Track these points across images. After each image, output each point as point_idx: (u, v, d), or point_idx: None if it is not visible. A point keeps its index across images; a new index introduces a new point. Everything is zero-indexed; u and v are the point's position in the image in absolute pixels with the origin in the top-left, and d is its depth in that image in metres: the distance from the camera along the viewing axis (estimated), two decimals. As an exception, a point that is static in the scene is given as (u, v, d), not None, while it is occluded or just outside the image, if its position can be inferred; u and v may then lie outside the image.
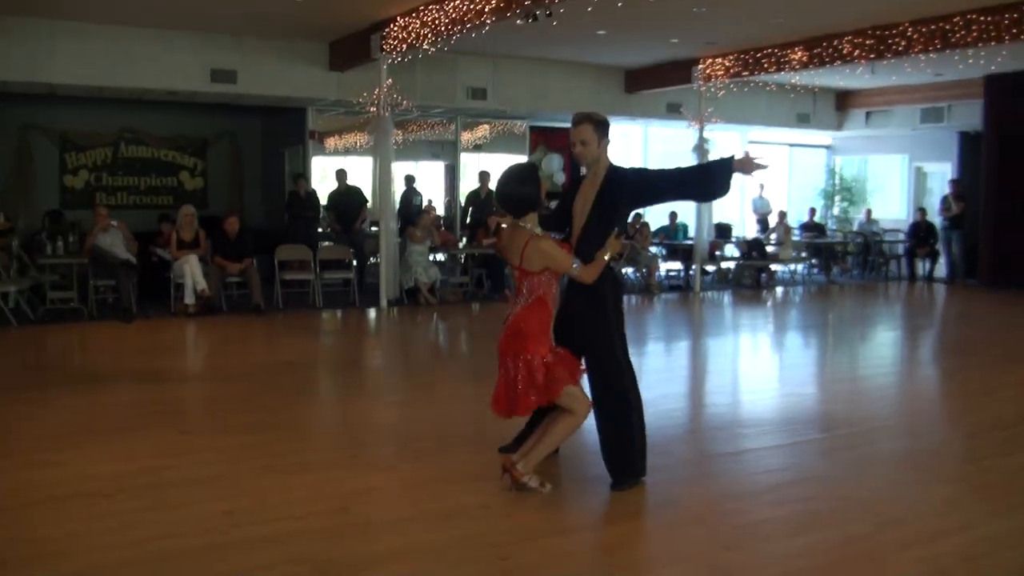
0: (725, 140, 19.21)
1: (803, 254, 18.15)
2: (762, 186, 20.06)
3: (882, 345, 11.57)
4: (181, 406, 7.36)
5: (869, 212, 19.54)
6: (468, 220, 15.66)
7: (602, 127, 5.09)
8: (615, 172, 5.13)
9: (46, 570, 4.04)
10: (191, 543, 4.30)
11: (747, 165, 5.13)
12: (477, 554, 4.25)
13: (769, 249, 17.41)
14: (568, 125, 5.26)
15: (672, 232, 17.23)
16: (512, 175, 4.99)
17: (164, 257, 12.36)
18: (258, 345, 10.59)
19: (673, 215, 17.38)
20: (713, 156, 15.95)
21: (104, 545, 4.29)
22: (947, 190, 17.97)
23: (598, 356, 5.15)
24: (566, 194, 5.34)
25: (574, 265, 4.90)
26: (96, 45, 12.61)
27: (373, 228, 14.31)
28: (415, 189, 16.00)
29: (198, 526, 4.51)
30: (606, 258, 4.95)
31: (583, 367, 5.11)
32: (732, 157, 5.13)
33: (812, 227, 18.99)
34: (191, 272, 11.72)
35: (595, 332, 5.13)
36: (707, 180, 5.26)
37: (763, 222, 19.32)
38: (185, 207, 12.64)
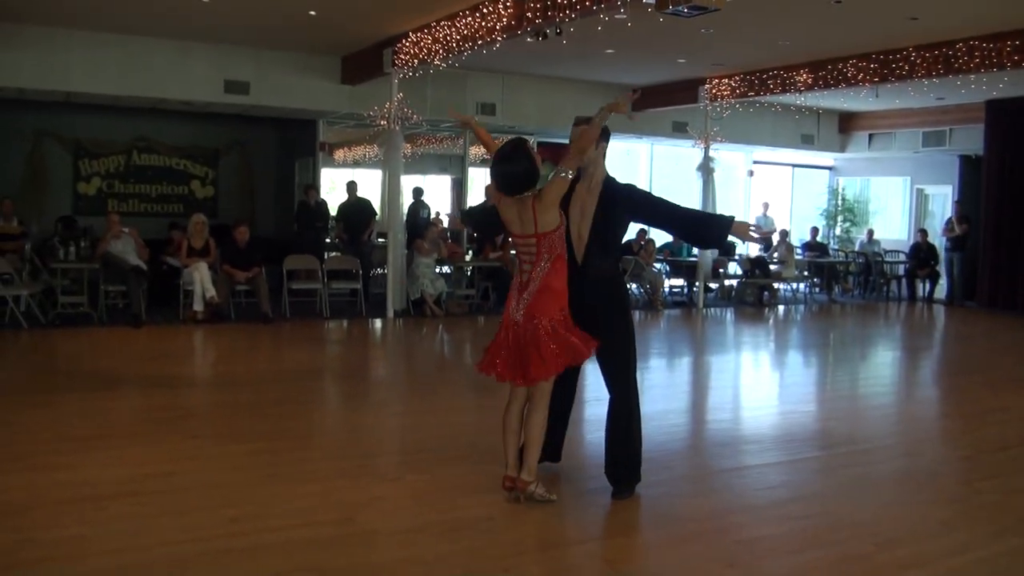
0: (730, 160, 19.32)
1: (805, 273, 18.21)
2: (766, 205, 20.12)
3: (882, 365, 11.62)
4: (189, 412, 7.36)
5: (871, 232, 19.62)
6: (476, 233, 15.72)
7: (603, 132, 5.18)
8: (612, 184, 5.24)
9: (53, 573, 4.07)
10: (197, 549, 4.33)
11: (744, 232, 5.31)
12: (480, 566, 4.27)
13: (772, 267, 17.45)
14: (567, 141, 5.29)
15: (677, 249, 17.30)
16: (505, 155, 4.99)
17: (174, 265, 12.45)
18: (265, 353, 10.63)
19: (677, 232, 17.39)
20: (718, 175, 16.10)
21: (111, 549, 4.32)
22: (949, 212, 18.05)
23: (622, 364, 5.27)
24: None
25: (563, 174, 4.87)
26: (112, 55, 12.78)
27: (380, 240, 14.41)
28: (422, 202, 16.08)
29: (205, 532, 4.53)
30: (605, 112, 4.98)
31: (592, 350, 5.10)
32: (732, 218, 5.26)
33: (814, 246, 19.01)
34: (200, 279, 11.77)
35: (621, 341, 5.24)
36: (703, 230, 5.45)
37: (766, 241, 19.35)
38: (196, 215, 12.70)
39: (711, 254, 16.11)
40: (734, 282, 17.71)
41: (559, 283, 4.96)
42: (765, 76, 14.48)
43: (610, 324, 5.18)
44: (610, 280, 5.24)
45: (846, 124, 19.90)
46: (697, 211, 5.38)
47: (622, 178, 5.40)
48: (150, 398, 7.71)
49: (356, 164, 16.09)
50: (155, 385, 8.17)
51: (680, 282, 17.24)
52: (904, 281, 18.74)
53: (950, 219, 17.73)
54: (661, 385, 9.44)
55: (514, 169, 4.94)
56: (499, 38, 10.40)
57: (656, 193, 5.59)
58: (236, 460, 5.84)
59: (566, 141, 5.33)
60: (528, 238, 4.97)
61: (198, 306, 11.81)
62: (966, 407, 8.73)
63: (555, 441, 5.53)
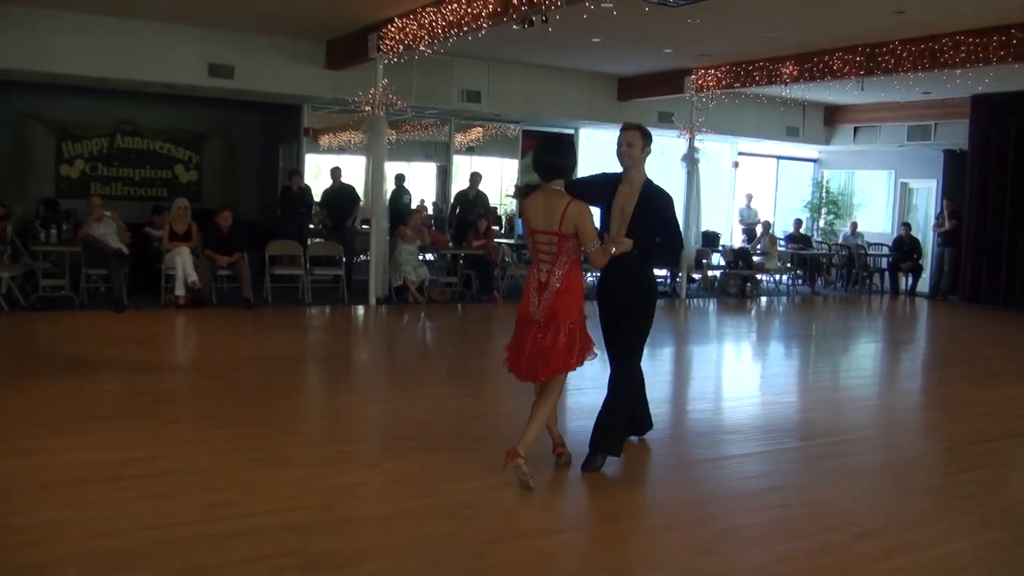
0: (715, 150, 19.31)
1: (788, 265, 18.25)
2: (749, 197, 20.13)
3: (863, 357, 11.66)
4: (170, 397, 7.35)
5: (855, 225, 19.64)
6: (455, 221, 15.66)
7: (647, 137, 5.63)
8: (651, 185, 5.61)
9: (32, 558, 4.03)
10: (177, 534, 4.31)
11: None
12: (457, 553, 4.28)
13: (755, 259, 17.48)
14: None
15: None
16: (553, 145, 5.48)
17: (154, 235, 12.40)
18: (247, 339, 10.61)
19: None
20: (703, 166, 16.07)
21: (90, 533, 4.30)
22: (933, 206, 18.06)
23: (637, 338, 5.67)
24: (609, 183, 5.70)
25: (595, 243, 5.20)
26: (96, 37, 12.64)
27: (364, 226, 14.35)
28: (404, 188, 16.03)
29: (184, 517, 4.51)
30: (613, 251, 5.34)
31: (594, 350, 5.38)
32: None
33: (798, 239, 19.05)
34: (182, 264, 11.69)
35: (642, 316, 5.66)
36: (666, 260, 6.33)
37: (749, 232, 19.37)
38: (179, 199, 12.64)
39: (694, 245, 16.11)
40: (717, 273, 17.72)
41: (578, 284, 5.26)
42: (751, 67, 14.45)
43: (634, 314, 5.61)
44: (642, 277, 5.64)
45: (831, 117, 19.87)
46: (678, 245, 5.83)
47: (604, 167, 5.72)
48: (131, 383, 7.66)
49: (341, 150, 16.01)
50: (136, 370, 8.13)
51: (663, 273, 17.23)
52: (887, 274, 18.81)
53: (940, 214, 17.78)
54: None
55: (550, 158, 5.36)
56: (485, 24, 10.38)
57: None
58: (216, 445, 5.83)
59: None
60: (551, 235, 5.20)
61: (180, 291, 11.75)
62: (947, 399, 8.77)
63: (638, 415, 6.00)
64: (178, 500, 4.76)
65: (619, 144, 5.62)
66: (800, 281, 18.80)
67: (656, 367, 10.21)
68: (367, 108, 12.94)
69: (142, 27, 12.90)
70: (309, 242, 14.04)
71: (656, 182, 5.70)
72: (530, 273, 5.38)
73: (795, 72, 13.79)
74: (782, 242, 18.80)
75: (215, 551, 4.16)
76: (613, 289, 5.62)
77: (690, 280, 16.72)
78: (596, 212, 5.64)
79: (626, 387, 5.62)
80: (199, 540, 4.26)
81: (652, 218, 5.55)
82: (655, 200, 5.57)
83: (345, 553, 4.23)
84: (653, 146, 5.68)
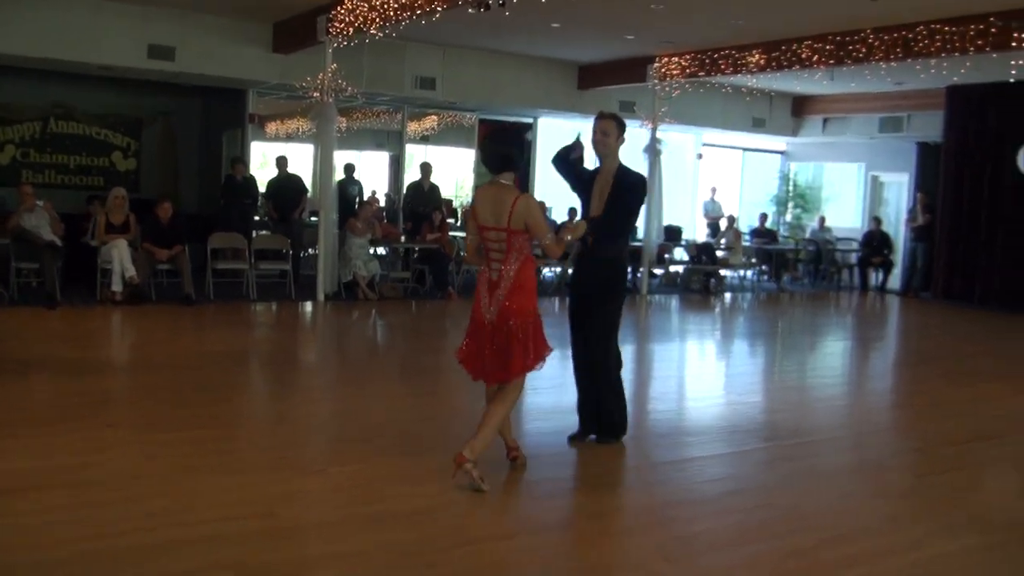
0: (678, 141, 19.06)
1: (753, 260, 18.08)
2: (714, 190, 19.99)
3: (831, 355, 11.59)
4: (105, 399, 7.13)
5: (823, 220, 19.52)
6: (408, 213, 15.42)
7: (622, 126, 5.93)
8: (623, 171, 5.89)
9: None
10: (111, 545, 4.14)
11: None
12: (405, 561, 4.16)
13: (719, 254, 17.34)
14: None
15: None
16: (505, 136, 5.60)
17: (90, 244, 12.03)
18: (187, 336, 10.40)
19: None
20: (665, 157, 15.79)
21: (17, 546, 4.12)
22: (905, 200, 17.94)
23: (610, 324, 5.92)
24: (588, 179, 5.99)
25: (549, 236, 5.15)
26: (28, 13, 12.08)
27: (312, 218, 14.09)
28: (353, 178, 15.68)
29: (119, 527, 4.35)
30: (568, 238, 5.38)
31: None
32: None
33: (763, 233, 18.92)
34: (119, 258, 11.33)
35: (612, 302, 5.93)
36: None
37: (714, 226, 19.26)
38: (116, 189, 12.24)
39: (656, 239, 15.86)
40: (680, 268, 17.60)
41: (531, 281, 5.19)
42: (716, 56, 14.24)
43: (603, 299, 5.88)
44: (612, 262, 5.91)
45: (799, 107, 19.70)
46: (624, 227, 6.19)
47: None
48: (64, 383, 7.42)
49: (288, 138, 15.82)
50: (69, 370, 7.87)
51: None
52: (856, 270, 18.67)
53: (913, 208, 17.59)
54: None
55: (498, 149, 5.30)
56: (439, 8, 10.21)
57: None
58: (154, 450, 5.65)
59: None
60: (500, 231, 5.12)
61: (116, 286, 11.37)
62: (917, 399, 8.75)
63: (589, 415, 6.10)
64: (112, 509, 4.59)
65: (594, 132, 5.88)
66: (766, 277, 18.70)
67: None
68: (315, 94, 12.60)
69: (77, 4, 12.37)
70: (254, 235, 13.69)
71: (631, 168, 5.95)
72: (481, 272, 5.32)
73: (762, 61, 13.60)
74: (747, 236, 18.62)
75: (152, 563, 4.00)
76: (583, 290, 5.95)
77: (652, 275, 16.53)
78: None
79: (609, 371, 5.92)
80: (135, 551, 4.10)
81: (627, 204, 5.87)
82: (627, 185, 5.82)
83: (288, 563, 4.12)
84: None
